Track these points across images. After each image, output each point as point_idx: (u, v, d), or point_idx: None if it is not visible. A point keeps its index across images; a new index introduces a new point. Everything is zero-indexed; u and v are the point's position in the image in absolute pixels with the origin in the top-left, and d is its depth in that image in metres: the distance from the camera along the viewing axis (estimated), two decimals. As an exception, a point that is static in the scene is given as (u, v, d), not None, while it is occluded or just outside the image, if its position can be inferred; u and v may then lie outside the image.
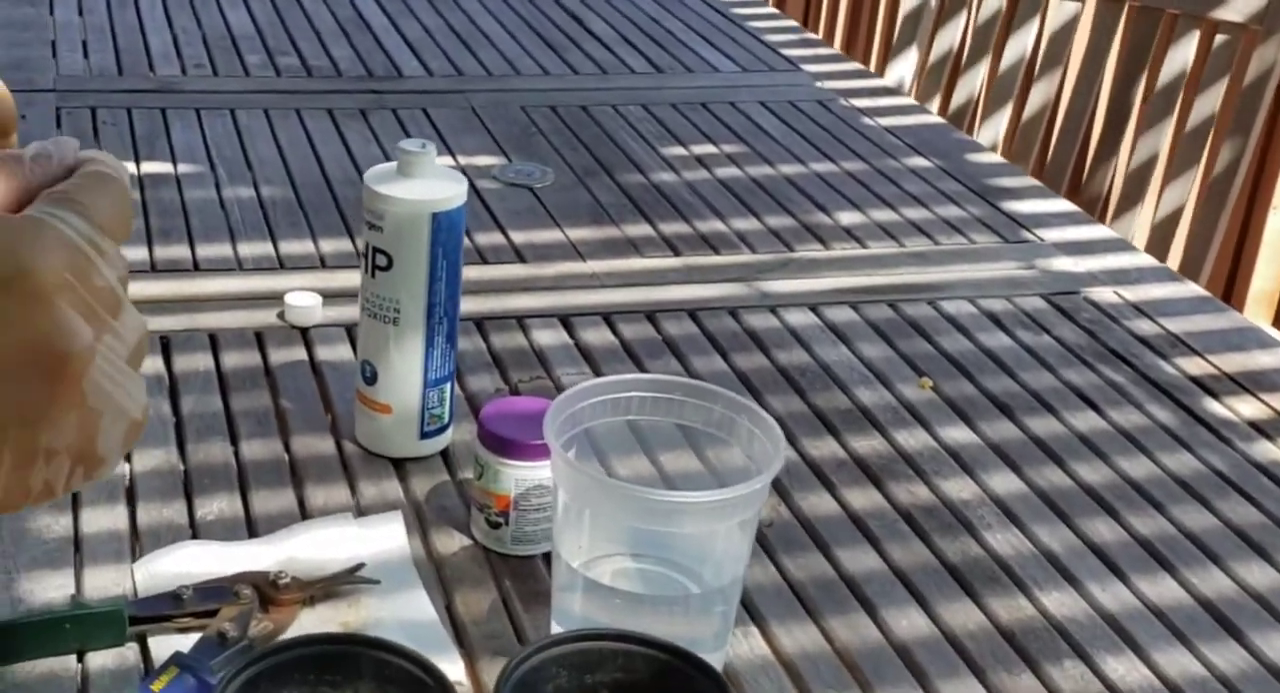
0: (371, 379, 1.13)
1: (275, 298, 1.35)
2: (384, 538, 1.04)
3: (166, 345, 1.28)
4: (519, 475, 1.02)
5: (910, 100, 2.16)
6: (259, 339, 1.30)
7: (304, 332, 1.32)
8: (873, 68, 2.90)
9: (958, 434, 1.25)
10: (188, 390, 1.21)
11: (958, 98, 2.42)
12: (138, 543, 1.02)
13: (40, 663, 0.90)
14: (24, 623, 0.91)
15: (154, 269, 1.42)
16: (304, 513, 1.07)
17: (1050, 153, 2.30)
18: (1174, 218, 2.09)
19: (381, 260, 1.09)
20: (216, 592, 0.95)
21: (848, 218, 1.67)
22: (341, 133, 1.78)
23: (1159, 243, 2.07)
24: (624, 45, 2.20)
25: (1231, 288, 2.58)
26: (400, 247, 1.08)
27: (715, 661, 0.90)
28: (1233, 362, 1.41)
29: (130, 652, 0.92)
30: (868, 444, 1.23)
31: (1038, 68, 2.32)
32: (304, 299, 1.33)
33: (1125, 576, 1.09)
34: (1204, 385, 1.37)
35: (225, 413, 1.19)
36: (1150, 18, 2.17)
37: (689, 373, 1.30)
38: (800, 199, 1.71)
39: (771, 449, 0.91)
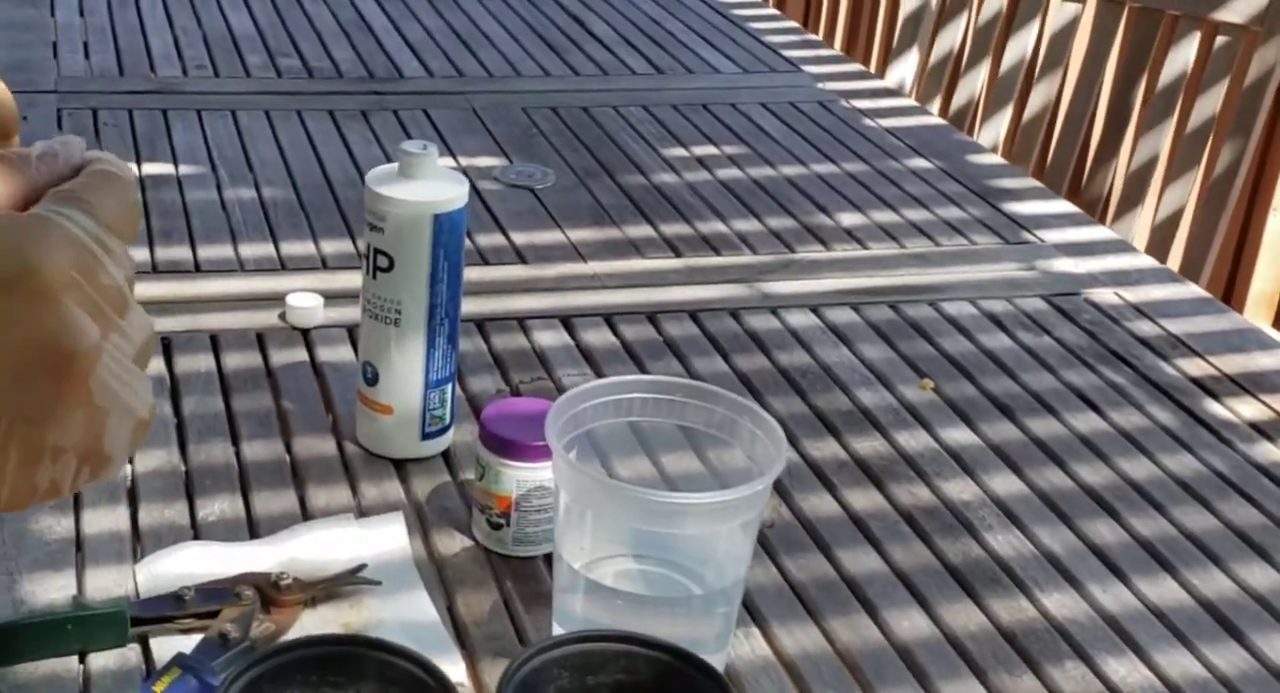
0: (373, 380, 1.13)
1: (277, 299, 1.35)
2: (385, 539, 1.04)
3: (168, 346, 1.28)
4: (520, 477, 1.02)
5: (911, 101, 2.16)
6: (260, 340, 1.30)
7: (305, 333, 1.32)
8: (873, 69, 2.90)
9: (959, 435, 1.25)
10: (189, 391, 1.21)
11: (958, 99, 2.42)
12: (139, 544, 1.03)
13: (42, 664, 0.90)
14: (26, 624, 0.91)
15: (155, 270, 1.42)
16: (305, 514, 1.07)
17: (1051, 154, 2.30)
18: (1174, 219, 2.09)
19: (383, 261, 1.09)
20: (218, 593, 0.95)
21: (848, 219, 1.67)
22: (343, 134, 1.79)
23: (1159, 244, 2.07)
24: (625, 46, 2.20)
25: (1231, 289, 2.58)
26: (402, 248, 1.09)
27: (717, 662, 0.91)
28: (1233, 363, 1.42)
29: (132, 653, 0.92)
30: (869, 445, 1.23)
31: (1038, 69, 2.32)
32: (305, 300, 1.34)
33: (1126, 577, 1.09)
34: (1204, 387, 1.37)
35: (227, 414, 1.19)
36: (1151, 19, 2.17)
37: (690, 374, 1.31)
38: (801, 200, 1.71)
39: (773, 451, 0.91)
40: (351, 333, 1.31)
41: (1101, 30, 2.24)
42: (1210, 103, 2.06)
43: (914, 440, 1.24)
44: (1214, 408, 1.34)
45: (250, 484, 1.10)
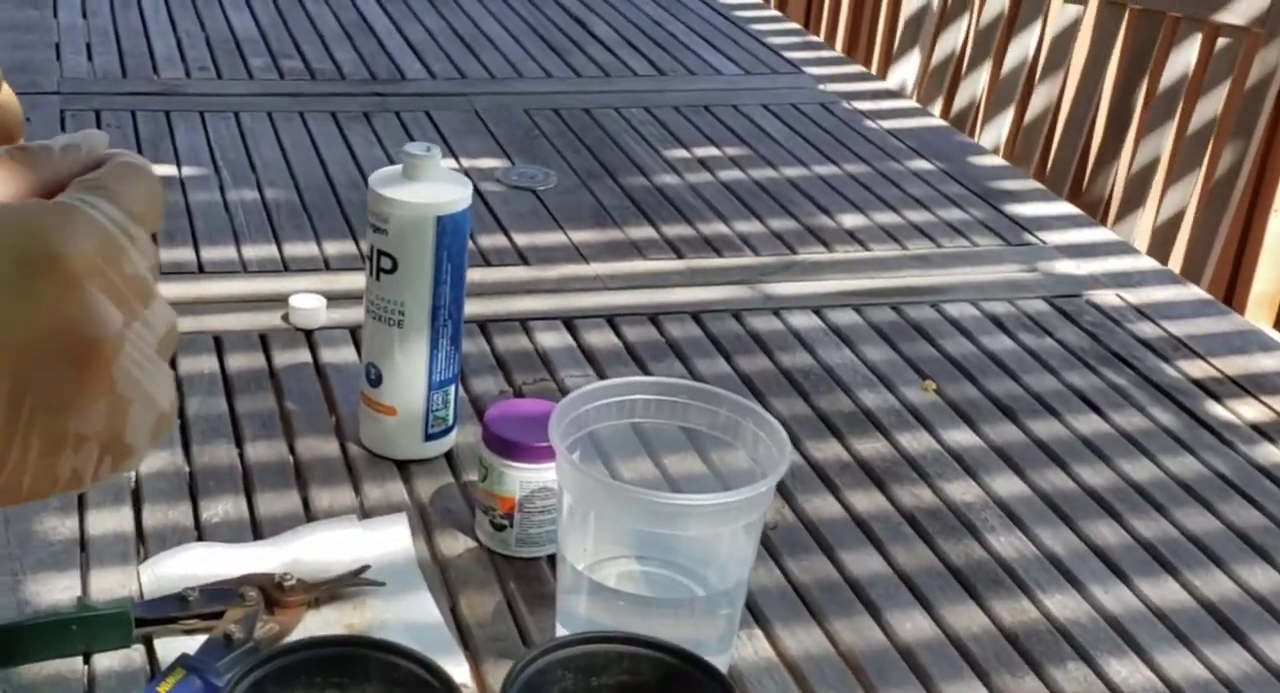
0: (376, 381, 1.13)
1: (279, 300, 1.35)
2: (389, 540, 1.04)
3: (171, 348, 1.28)
4: (523, 478, 1.03)
5: (912, 103, 2.16)
6: (263, 341, 1.30)
7: (308, 334, 1.32)
8: (875, 70, 2.91)
9: (960, 437, 1.25)
10: (193, 393, 1.21)
11: (960, 100, 2.42)
12: (143, 545, 1.03)
13: (47, 665, 0.90)
14: (30, 625, 0.92)
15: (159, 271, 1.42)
16: (309, 515, 1.08)
17: (1052, 156, 2.30)
18: (1176, 221, 2.09)
19: (386, 263, 1.09)
20: (222, 594, 0.95)
21: (850, 220, 1.67)
22: (345, 135, 1.79)
23: (1160, 246, 2.07)
24: (626, 48, 2.20)
25: (1233, 291, 2.59)
26: (405, 250, 1.09)
27: (720, 663, 0.91)
28: (1234, 364, 1.42)
29: (136, 653, 0.92)
30: (871, 447, 1.23)
31: (1039, 71, 2.32)
32: (308, 302, 1.34)
33: (1128, 578, 1.09)
34: (1206, 388, 1.37)
35: (230, 415, 1.19)
36: (1152, 21, 2.17)
37: (692, 375, 1.31)
38: (803, 201, 1.71)
39: (776, 452, 0.92)
40: (354, 334, 1.31)
41: (1103, 32, 2.24)
42: (1211, 104, 2.07)
43: (916, 442, 1.24)
44: (1215, 409, 1.34)
45: (254, 485, 1.10)
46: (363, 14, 2.26)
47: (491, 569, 1.04)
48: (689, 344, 1.37)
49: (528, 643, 0.97)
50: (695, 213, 1.66)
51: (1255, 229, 2.58)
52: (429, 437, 1.14)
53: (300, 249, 1.49)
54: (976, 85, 2.40)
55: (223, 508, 1.07)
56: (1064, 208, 1.79)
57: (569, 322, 1.39)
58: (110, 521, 1.05)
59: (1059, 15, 2.30)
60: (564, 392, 1.23)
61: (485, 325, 1.36)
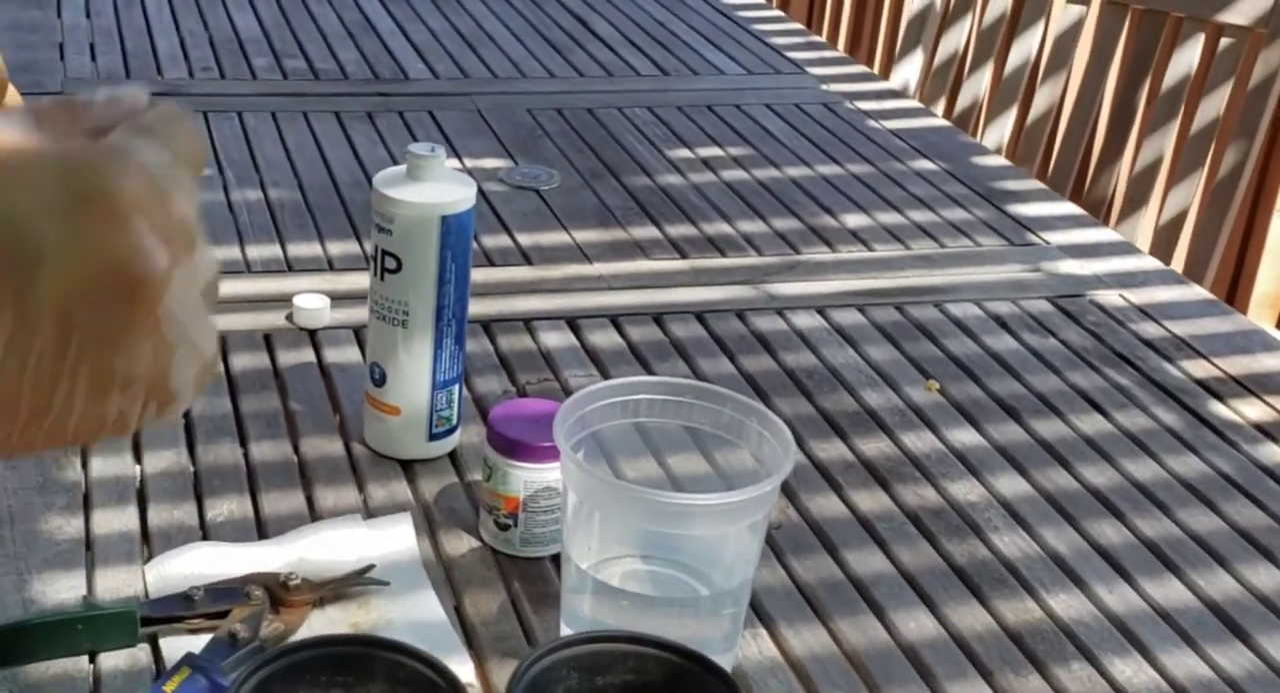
0: (380, 381, 1.13)
1: (283, 300, 1.35)
2: (393, 540, 1.04)
3: (175, 347, 1.28)
4: (528, 477, 1.03)
5: (915, 103, 2.16)
6: (267, 341, 1.31)
7: (312, 334, 1.32)
8: (877, 70, 2.91)
9: (964, 437, 1.26)
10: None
11: (962, 101, 2.42)
12: (149, 544, 1.03)
13: (53, 664, 0.90)
14: (36, 624, 0.92)
15: (162, 271, 1.42)
16: (313, 514, 1.08)
17: (1055, 156, 2.30)
18: (1178, 221, 2.09)
19: (390, 263, 1.10)
20: (227, 593, 0.95)
21: (854, 220, 1.67)
22: (348, 135, 1.79)
23: (1163, 246, 2.07)
24: (629, 48, 2.21)
25: (1235, 291, 2.59)
26: (409, 249, 1.09)
27: (724, 662, 0.91)
28: (1237, 364, 1.42)
29: (142, 652, 0.92)
30: (875, 447, 1.23)
31: (1042, 71, 2.32)
32: (312, 301, 1.34)
33: (1131, 578, 1.09)
34: (1209, 388, 1.37)
35: (234, 415, 1.19)
36: (1155, 21, 2.17)
37: (696, 375, 1.31)
38: (806, 202, 1.71)
39: (781, 452, 0.92)
40: (358, 334, 1.31)
41: (1105, 32, 2.24)
42: (1214, 104, 2.07)
43: (920, 442, 1.24)
44: (1218, 409, 1.34)
45: (258, 485, 1.11)
46: (366, 14, 2.26)
47: (496, 569, 1.04)
48: (693, 344, 1.37)
49: (532, 642, 0.97)
50: (699, 213, 1.66)
51: (1258, 229, 2.58)
52: (433, 436, 1.14)
53: (304, 249, 1.49)
54: (979, 85, 2.41)
55: (228, 507, 1.08)
56: (1067, 208, 1.79)
57: (572, 322, 1.39)
58: (116, 520, 1.05)
59: (1061, 15, 2.30)
60: (568, 392, 1.23)
61: (489, 325, 1.36)
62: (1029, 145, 2.31)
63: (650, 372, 1.31)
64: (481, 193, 1.61)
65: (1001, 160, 1.96)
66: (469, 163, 1.74)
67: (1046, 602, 1.06)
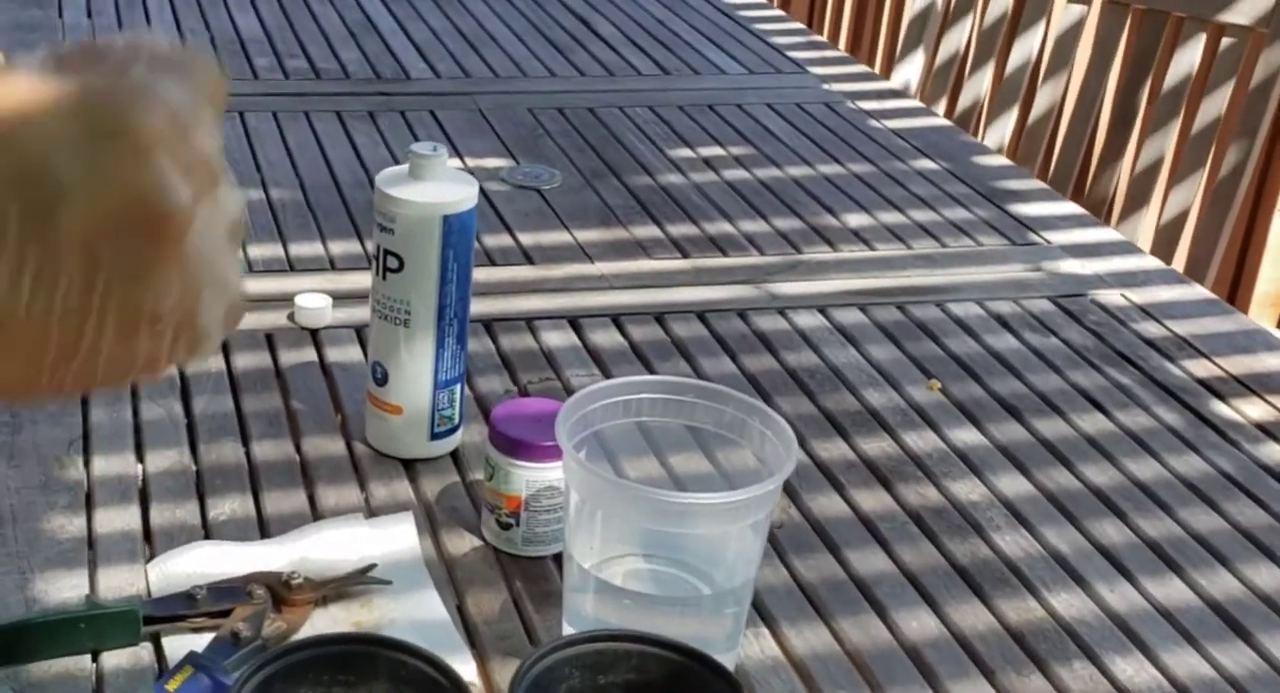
0: (382, 380, 1.13)
1: (285, 300, 1.36)
2: (395, 539, 1.04)
3: (177, 347, 1.28)
4: (530, 477, 1.03)
5: (916, 103, 2.16)
6: (269, 341, 1.31)
7: (314, 333, 1.32)
8: (878, 70, 2.91)
9: (966, 436, 1.26)
10: (199, 391, 1.22)
11: (964, 100, 2.42)
12: (151, 543, 1.03)
13: (55, 663, 0.90)
14: (39, 623, 0.92)
15: (164, 271, 1.42)
16: (315, 514, 1.08)
17: (1056, 155, 2.30)
18: (1180, 220, 2.09)
19: (392, 262, 1.10)
20: (230, 592, 0.95)
21: (855, 220, 1.67)
22: (350, 135, 1.79)
23: (1164, 245, 2.07)
24: (630, 47, 2.21)
25: (1236, 290, 2.59)
26: (411, 249, 1.09)
27: (727, 662, 0.91)
28: (1239, 364, 1.42)
29: (144, 651, 0.92)
30: (877, 446, 1.23)
31: (1043, 70, 2.32)
32: (314, 301, 1.34)
33: (1133, 577, 1.09)
34: (1211, 388, 1.37)
35: (237, 414, 1.19)
36: (1156, 20, 2.17)
37: (698, 375, 1.31)
38: (808, 201, 1.71)
39: (783, 451, 0.92)
40: (360, 333, 1.31)
41: (1107, 32, 2.24)
42: (1216, 104, 2.07)
43: (922, 441, 1.24)
44: (1220, 409, 1.34)
45: (260, 484, 1.11)
46: (367, 13, 2.26)
47: (497, 568, 1.04)
48: (694, 343, 1.37)
49: (534, 642, 0.97)
50: (700, 212, 1.66)
51: (1259, 229, 2.58)
52: (435, 436, 1.14)
53: (305, 249, 1.49)
54: (980, 85, 2.41)
55: (230, 507, 1.08)
56: (1068, 207, 1.79)
57: (574, 321, 1.39)
58: (118, 519, 1.05)
59: (1063, 15, 2.30)
60: (570, 391, 1.23)
61: (490, 325, 1.37)
62: (1030, 145, 2.31)
63: (652, 371, 1.31)
64: (483, 192, 1.61)
65: (1003, 160, 1.96)
66: (470, 162, 1.74)
67: (1048, 601, 1.06)
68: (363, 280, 1.23)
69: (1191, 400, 1.35)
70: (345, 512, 1.08)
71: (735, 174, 1.77)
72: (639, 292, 1.47)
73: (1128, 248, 1.69)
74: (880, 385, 1.32)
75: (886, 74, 2.63)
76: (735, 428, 0.96)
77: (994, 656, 1.00)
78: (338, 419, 1.20)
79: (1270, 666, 1.01)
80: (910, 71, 2.50)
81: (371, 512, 1.08)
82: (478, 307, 1.21)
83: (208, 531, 1.05)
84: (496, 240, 1.55)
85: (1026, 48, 2.34)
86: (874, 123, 1.98)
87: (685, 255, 1.56)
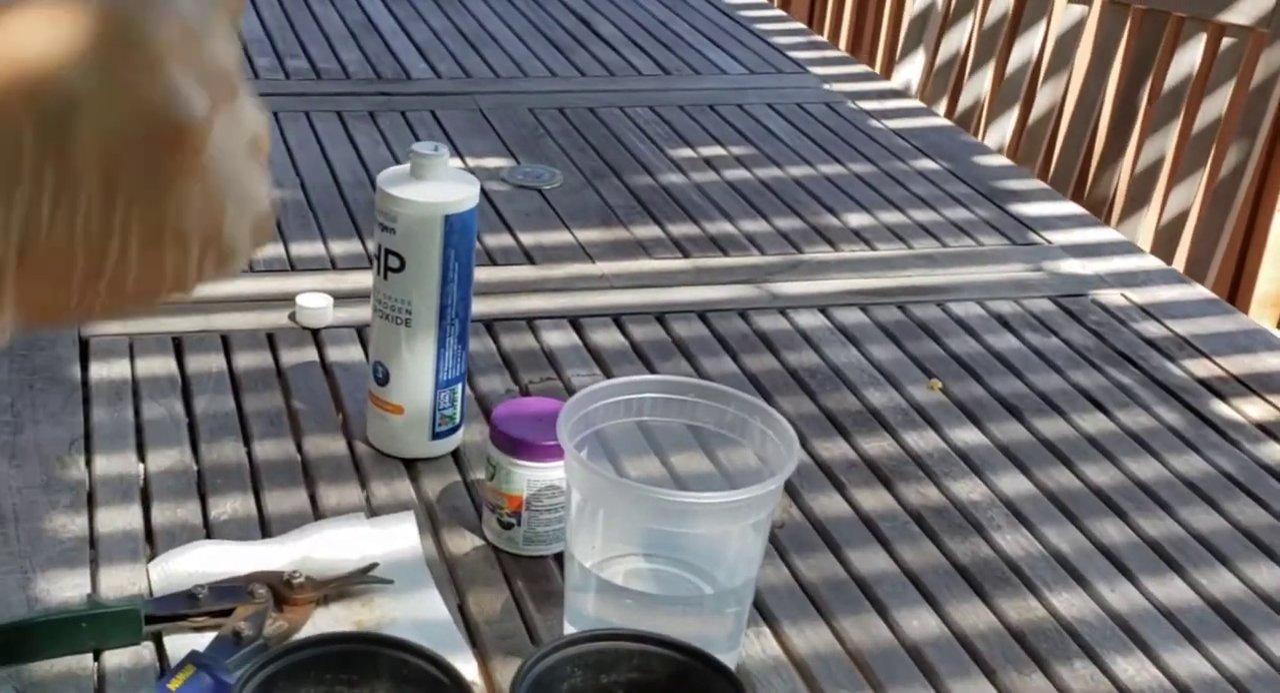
0: (383, 380, 1.13)
1: (286, 299, 1.36)
2: (396, 538, 1.04)
3: (179, 346, 1.28)
4: (531, 476, 1.03)
5: (917, 103, 2.16)
6: (271, 340, 1.31)
7: (315, 333, 1.32)
8: (879, 70, 2.91)
9: (967, 436, 1.26)
10: (200, 391, 1.22)
11: (964, 100, 2.42)
12: (152, 543, 1.03)
13: (57, 662, 0.91)
14: (41, 622, 0.92)
15: (165, 270, 1.43)
16: (316, 513, 1.08)
17: (1056, 155, 2.30)
18: (1180, 220, 2.09)
19: (394, 262, 1.10)
20: (231, 591, 0.96)
21: (856, 220, 1.67)
22: (351, 135, 1.79)
23: (1165, 245, 2.07)
24: (631, 47, 2.21)
25: (1236, 290, 2.59)
26: (412, 248, 1.09)
27: (728, 661, 0.91)
28: (1240, 364, 1.42)
29: (146, 650, 0.92)
30: (878, 446, 1.23)
31: (1044, 71, 2.32)
32: (315, 301, 1.34)
33: (1134, 576, 1.09)
34: (1211, 387, 1.37)
35: (238, 413, 1.19)
36: (1157, 21, 2.17)
37: (699, 374, 1.31)
38: (808, 201, 1.71)
39: (785, 451, 0.92)
40: (361, 333, 1.31)
41: (1107, 32, 2.24)
42: (1216, 104, 2.07)
43: (922, 441, 1.24)
44: (1221, 409, 1.34)
45: (262, 483, 1.11)
46: (368, 14, 2.26)
47: (499, 567, 1.04)
48: (695, 343, 1.37)
49: (535, 641, 0.97)
50: (701, 212, 1.66)
51: (1259, 229, 2.58)
52: (436, 435, 1.15)
53: (307, 248, 1.49)
54: (981, 85, 2.41)
55: (231, 506, 1.08)
56: (1069, 207, 1.79)
57: (575, 321, 1.39)
58: (119, 518, 1.05)
59: (1063, 15, 2.30)
60: (571, 391, 1.23)
61: (491, 324, 1.37)
62: (1031, 145, 2.31)
63: (653, 371, 1.31)
64: (484, 192, 1.61)
65: (1003, 160, 1.96)
66: (471, 162, 1.74)
67: (1049, 600, 1.06)
68: (364, 280, 1.23)
69: (1192, 400, 1.35)
70: (346, 511, 1.08)
71: (736, 174, 1.77)
72: (640, 291, 1.47)
73: (1128, 248, 1.69)
74: (881, 385, 1.33)
75: (887, 74, 2.63)
76: (736, 427, 0.96)
77: (995, 655, 1.00)
78: (339, 419, 1.20)
79: (1271, 665, 1.01)
80: (911, 71, 2.50)
81: (373, 511, 1.09)
82: (479, 306, 1.21)
83: (209, 530, 1.05)
84: (497, 240, 1.55)
85: (1027, 48, 2.34)
86: (875, 123, 1.98)
87: (686, 255, 1.56)
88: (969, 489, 1.18)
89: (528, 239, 1.56)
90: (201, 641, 0.92)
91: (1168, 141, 2.13)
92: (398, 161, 1.45)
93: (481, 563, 1.04)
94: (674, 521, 0.93)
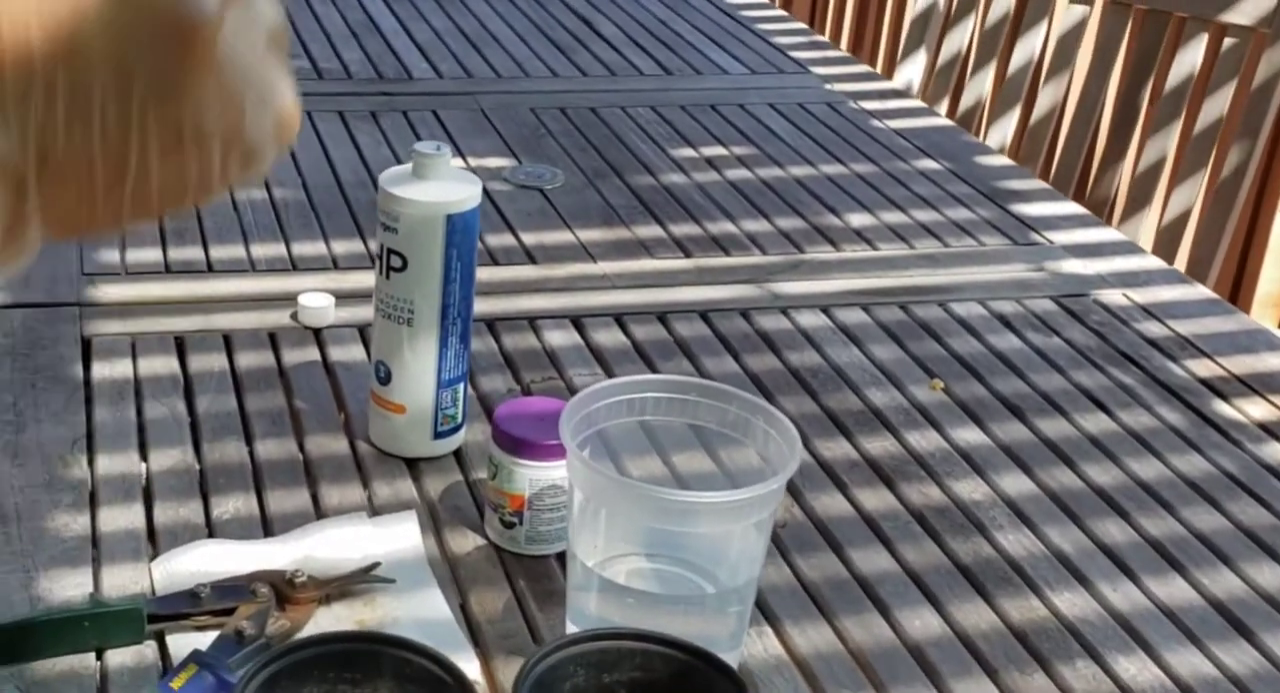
0: (385, 379, 1.13)
1: (288, 299, 1.36)
2: (398, 537, 1.04)
3: (181, 346, 1.28)
4: (533, 475, 1.03)
5: (919, 103, 2.16)
6: (272, 340, 1.31)
7: (317, 332, 1.33)
8: (880, 70, 2.91)
9: (969, 435, 1.26)
10: (203, 390, 1.22)
11: (966, 100, 2.42)
12: (155, 542, 1.03)
13: (60, 661, 0.91)
14: (43, 621, 0.92)
15: (168, 270, 1.43)
16: (319, 512, 1.08)
17: (1058, 155, 2.30)
18: (1181, 220, 2.09)
19: (396, 261, 1.10)
20: (234, 590, 0.96)
21: (858, 220, 1.67)
22: (352, 135, 1.79)
23: (1166, 245, 2.07)
24: (632, 47, 2.21)
25: (1238, 290, 2.59)
26: (415, 248, 1.09)
27: (730, 660, 0.91)
28: (1241, 364, 1.42)
29: (149, 649, 0.92)
30: (879, 445, 1.23)
31: (1045, 71, 2.32)
32: (317, 300, 1.34)
33: (1136, 576, 1.09)
34: (1213, 387, 1.37)
35: (240, 413, 1.19)
36: (1158, 21, 2.17)
37: (700, 374, 1.31)
38: (810, 201, 1.71)
39: (787, 450, 0.92)
40: (363, 332, 1.31)
41: (1109, 32, 2.24)
42: (1218, 104, 2.07)
43: (924, 441, 1.24)
44: (1223, 408, 1.34)
45: (264, 483, 1.11)
46: (369, 14, 2.26)
47: (501, 567, 1.04)
48: (697, 343, 1.37)
49: (538, 640, 0.97)
50: (703, 212, 1.66)
51: (1260, 229, 2.58)
52: (438, 435, 1.15)
53: (309, 248, 1.49)
54: (982, 85, 2.41)
55: (233, 505, 1.08)
56: (1070, 207, 1.79)
57: (577, 320, 1.39)
58: (122, 517, 1.05)
59: (1065, 15, 2.30)
60: (572, 390, 1.23)
61: (493, 324, 1.37)
62: (1032, 145, 2.31)
63: (655, 371, 1.31)
64: (485, 192, 1.61)
65: (1005, 160, 1.96)
66: (473, 162, 1.74)
67: (1051, 600, 1.06)
68: (366, 280, 1.23)
69: (1194, 400, 1.35)
70: (348, 511, 1.08)
71: (738, 174, 1.77)
72: (642, 291, 1.47)
73: (1130, 248, 1.69)
74: (883, 385, 1.33)
75: (889, 74, 2.63)
76: (739, 427, 0.96)
77: (997, 655, 1.00)
78: (341, 418, 1.20)
79: (1273, 665, 1.01)
80: (912, 72, 2.50)
81: (375, 511, 1.09)
82: (480, 306, 1.21)
83: (211, 529, 1.05)
84: (499, 240, 1.55)
85: (1028, 48, 2.34)
86: (876, 123, 1.98)
87: (688, 255, 1.56)
88: (971, 489, 1.18)
89: (529, 239, 1.56)
90: (204, 640, 0.92)
91: (1169, 142, 2.13)
92: (399, 161, 1.45)
93: (483, 562, 1.04)
94: (676, 520, 0.93)
